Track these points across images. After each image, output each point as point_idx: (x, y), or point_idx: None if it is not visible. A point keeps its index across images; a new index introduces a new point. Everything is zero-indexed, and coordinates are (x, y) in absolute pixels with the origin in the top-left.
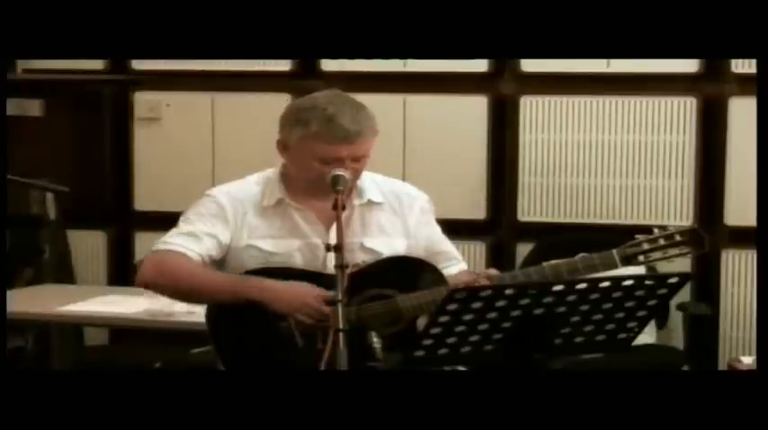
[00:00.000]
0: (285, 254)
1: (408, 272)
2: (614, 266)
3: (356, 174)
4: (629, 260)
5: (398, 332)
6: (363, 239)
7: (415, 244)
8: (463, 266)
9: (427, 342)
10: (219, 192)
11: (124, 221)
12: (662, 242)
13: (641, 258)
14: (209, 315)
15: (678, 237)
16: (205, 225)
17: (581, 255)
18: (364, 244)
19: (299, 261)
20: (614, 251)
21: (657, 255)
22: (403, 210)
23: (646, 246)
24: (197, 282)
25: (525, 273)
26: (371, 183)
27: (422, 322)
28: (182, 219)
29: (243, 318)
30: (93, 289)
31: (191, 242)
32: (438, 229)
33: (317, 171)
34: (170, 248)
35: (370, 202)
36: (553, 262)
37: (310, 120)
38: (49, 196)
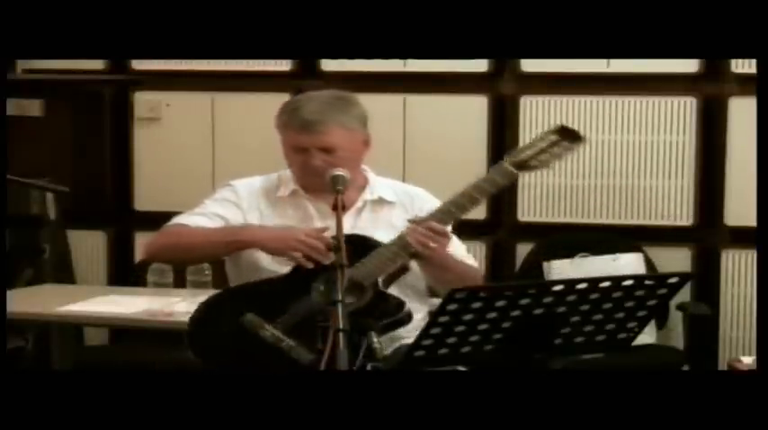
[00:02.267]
0: None
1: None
2: (513, 176)
3: (329, 166)
4: (522, 166)
5: (371, 305)
6: (373, 234)
7: None
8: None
9: (427, 342)
10: (239, 182)
11: (124, 221)
12: (542, 145)
13: (533, 163)
14: (189, 330)
15: (552, 137)
16: (215, 207)
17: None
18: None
19: None
20: (505, 162)
21: (545, 156)
22: (414, 209)
23: (529, 152)
24: (195, 238)
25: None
26: (385, 186)
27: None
28: (200, 203)
29: (223, 329)
30: (93, 289)
31: (198, 219)
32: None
33: (293, 160)
34: (178, 222)
35: (382, 200)
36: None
37: (282, 112)
38: (49, 196)
